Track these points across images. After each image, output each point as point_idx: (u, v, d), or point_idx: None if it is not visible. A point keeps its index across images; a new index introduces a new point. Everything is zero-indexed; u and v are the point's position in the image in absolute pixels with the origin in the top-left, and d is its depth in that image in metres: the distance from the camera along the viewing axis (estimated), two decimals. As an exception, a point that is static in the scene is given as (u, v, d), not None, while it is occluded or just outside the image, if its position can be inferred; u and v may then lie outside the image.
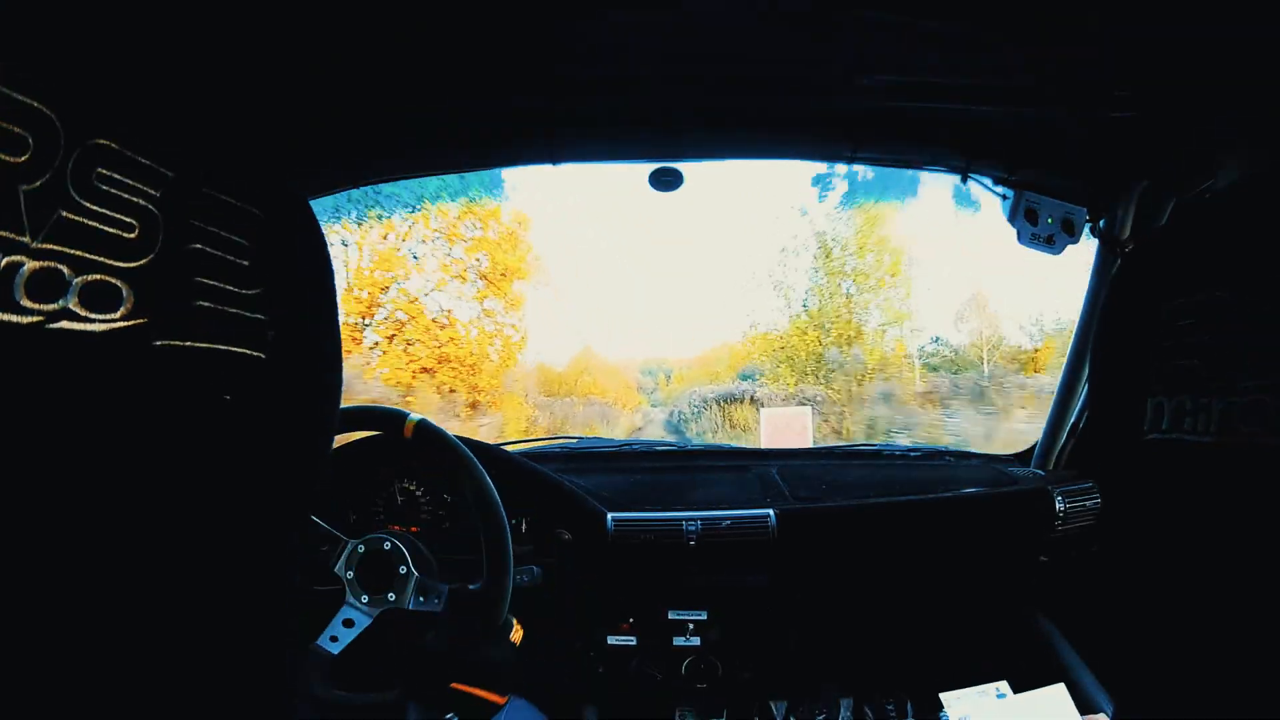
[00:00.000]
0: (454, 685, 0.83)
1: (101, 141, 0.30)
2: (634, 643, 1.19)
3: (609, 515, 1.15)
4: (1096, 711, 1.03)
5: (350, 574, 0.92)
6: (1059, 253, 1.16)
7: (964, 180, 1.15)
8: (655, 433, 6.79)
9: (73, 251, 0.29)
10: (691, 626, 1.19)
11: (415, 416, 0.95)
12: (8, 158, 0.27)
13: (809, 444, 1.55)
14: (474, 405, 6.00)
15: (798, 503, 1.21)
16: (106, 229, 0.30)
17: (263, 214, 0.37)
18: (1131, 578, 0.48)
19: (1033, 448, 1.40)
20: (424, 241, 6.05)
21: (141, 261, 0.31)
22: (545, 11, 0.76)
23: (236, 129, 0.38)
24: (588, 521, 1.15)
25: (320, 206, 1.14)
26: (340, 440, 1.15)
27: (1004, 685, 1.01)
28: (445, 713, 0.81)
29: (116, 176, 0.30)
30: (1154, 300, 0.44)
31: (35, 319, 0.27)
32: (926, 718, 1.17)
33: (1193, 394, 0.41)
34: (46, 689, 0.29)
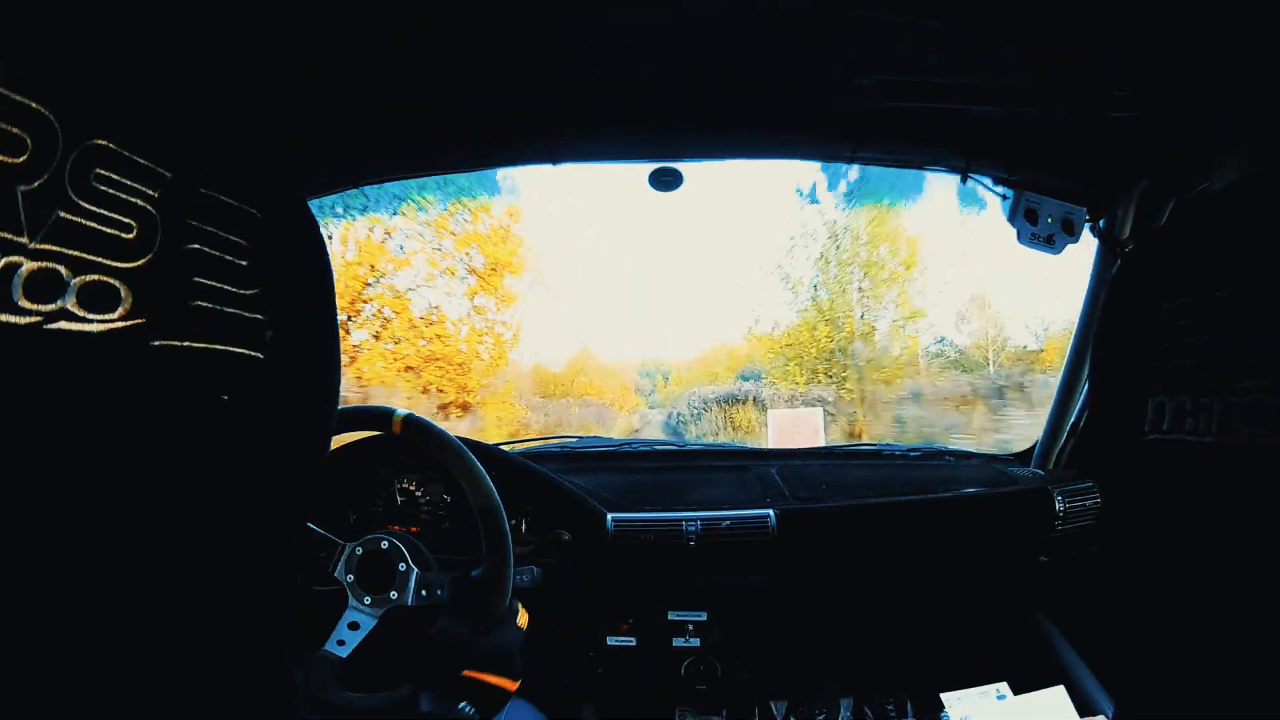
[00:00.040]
0: (465, 673, 0.82)
1: (100, 142, 0.30)
2: (634, 643, 1.19)
3: (609, 515, 1.15)
4: (1096, 712, 1.03)
5: (350, 577, 0.92)
6: (1059, 253, 1.16)
7: (964, 180, 1.15)
8: (653, 435, 6.68)
9: (71, 252, 0.29)
10: (691, 627, 1.19)
11: (402, 412, 0.95)
12: (6, 158, 0.27)
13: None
14: (464, 406, 5.86)
15: (798, 503, 1.21)
16: (104, 229, 0.30)
17: (261, 214, 0.37)
18: (1132, 578, 0.48)
19: (1033, 448, 1.40)
20: (410, 237, 5.91)
21: (139, 262, 0.31)
22: (545, 11, 0.76)
23: (235, 129, 0.38)
24: (588, 522, 1.15)
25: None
26: (340, 440, 1.15)
27: (1004, 686, 1.01)
28: (458, 702, 0.81)
29: (115, 177, 0.30)
30: (1154, 300, 0.44)
31: (33, 319, 0.27)
32: (926, 718, 1.17)
33: (1193, 394, 0.41)
34: (46, 690, 0.29)
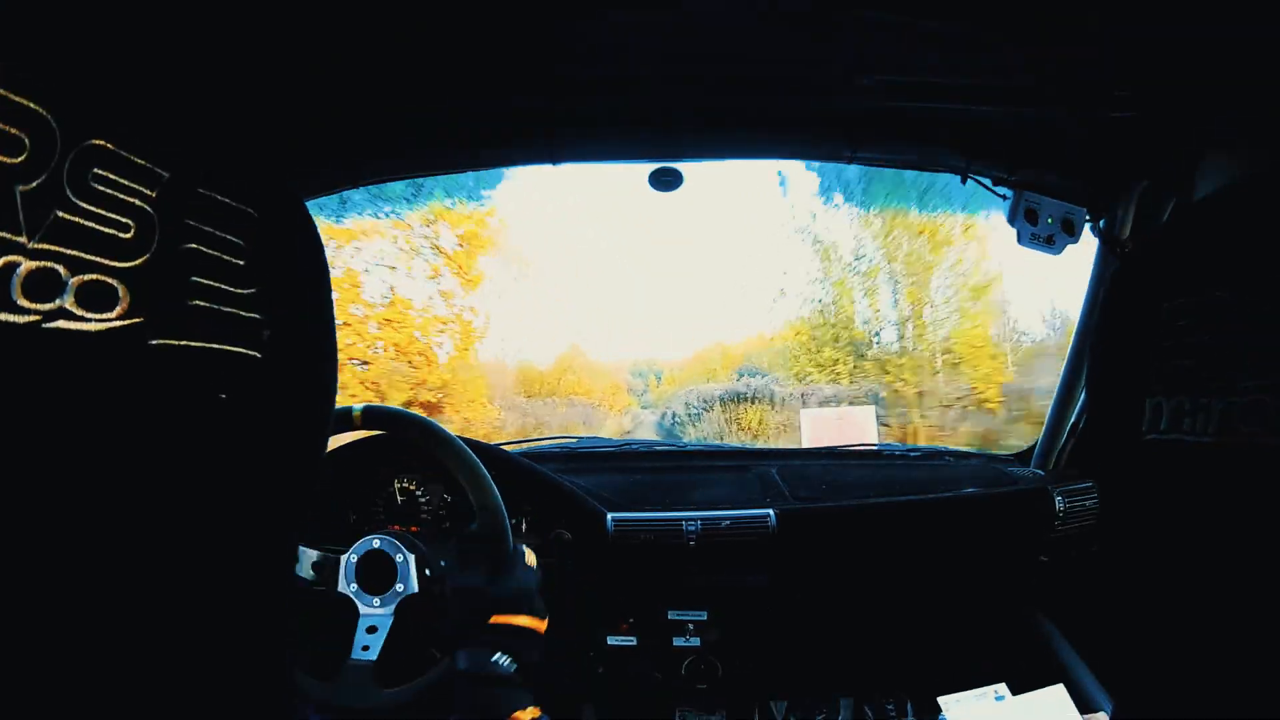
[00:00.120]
0: (493, 619, 0.83)
1: (98, 142, 0.30)
2: (634, 643, 1.19)
3: (609, 515, 1.15)
4: (1096, 711, 1.03)
5: (354, 586, 0.93)
6: (1059, 253, 1.16)
7: (964, 180, 1.15)
8: (646, 436, 6.45)
9: (69, 251, 0.29)
10: (691, 627, 1.19)
11: (359, 406, 0.96)
12: (4, 158, 0.27)
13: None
14: (426, 406, 4.95)
15: (798, 503, 1.21)
16: (102, 229, 0.30)
17: (258, 214, 0.37)
18: (1131, 578, 0.48)
19: (1033, 448, 1.40)
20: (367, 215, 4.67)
21: (137, 261, 0.31)
22: (545, 11, 0.76)
23: (233, 129, 0.38)
24: (588, 521, 1.15)
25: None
26: (340, 441, 1.15)
27: (1003, 687, 1.01)
28: (492, 654, 0.81)
29: (113, 177, 0.30)
30: (1154, 300, 0.44)
31: (32, 318, 0.27)
32: (926, 718, 1.17)
33: (1192, 394, 0.41)
34: (45, 690, 0.29)
